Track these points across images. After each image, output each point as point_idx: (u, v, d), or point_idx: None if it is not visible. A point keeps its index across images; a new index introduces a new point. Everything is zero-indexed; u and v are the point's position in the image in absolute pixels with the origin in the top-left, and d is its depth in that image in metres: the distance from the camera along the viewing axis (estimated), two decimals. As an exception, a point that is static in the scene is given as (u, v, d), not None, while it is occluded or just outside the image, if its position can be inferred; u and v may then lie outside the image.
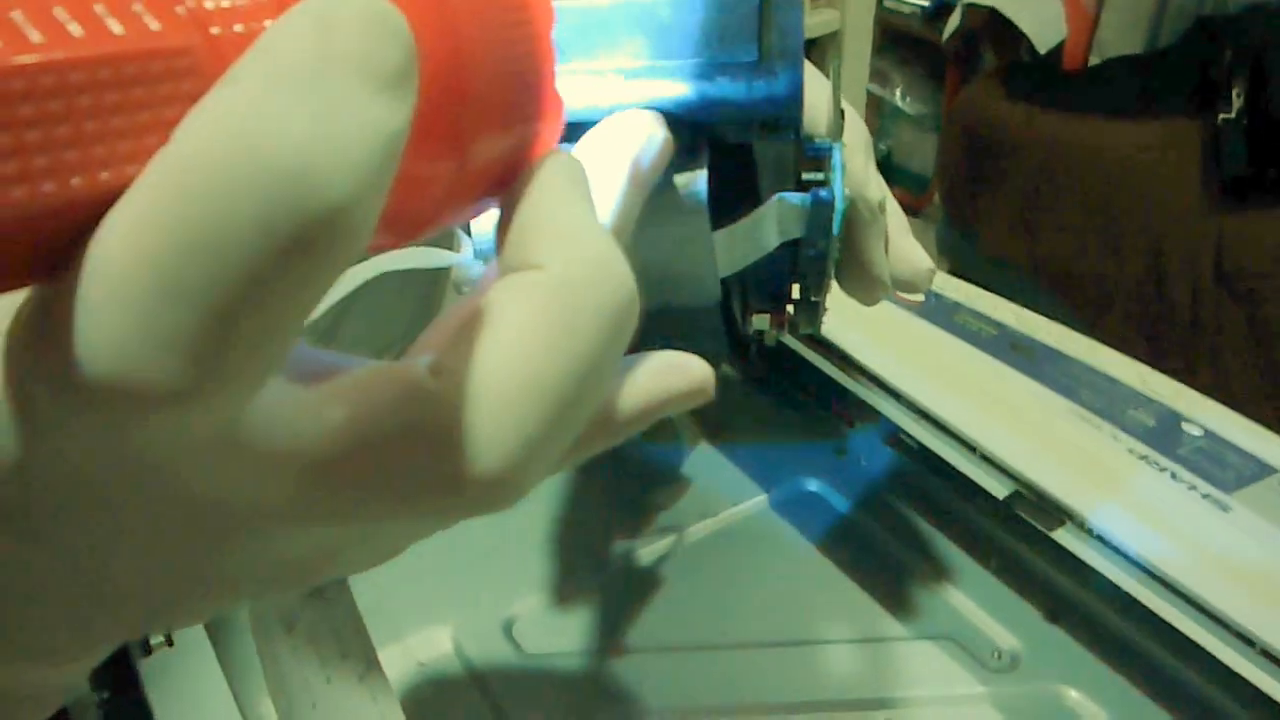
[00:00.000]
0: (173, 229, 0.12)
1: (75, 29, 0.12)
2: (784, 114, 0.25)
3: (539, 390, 0.16)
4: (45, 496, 0.15)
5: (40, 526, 0.15)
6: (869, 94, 2.46)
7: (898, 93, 2.88)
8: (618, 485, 0.56)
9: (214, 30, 0.14)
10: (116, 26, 0.13)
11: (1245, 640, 0.39)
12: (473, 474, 0.16)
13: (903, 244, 0.36)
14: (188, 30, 0.13)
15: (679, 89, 0.25)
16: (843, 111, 0.32)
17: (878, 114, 2.92)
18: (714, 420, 0.60)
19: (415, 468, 0.16)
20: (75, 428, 0.13)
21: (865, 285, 0.35)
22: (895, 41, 2.84)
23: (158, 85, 0.13)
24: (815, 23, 1.76)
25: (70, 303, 0.12)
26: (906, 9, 2.79)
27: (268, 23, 0.14)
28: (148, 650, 0.40)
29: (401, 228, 0.18)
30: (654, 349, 0.45)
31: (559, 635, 0.47)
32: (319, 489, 0.15)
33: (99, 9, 0.13)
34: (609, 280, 0.17)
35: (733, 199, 0.28)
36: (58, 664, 0.18)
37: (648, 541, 0.51)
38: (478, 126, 0.17)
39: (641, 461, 0.57)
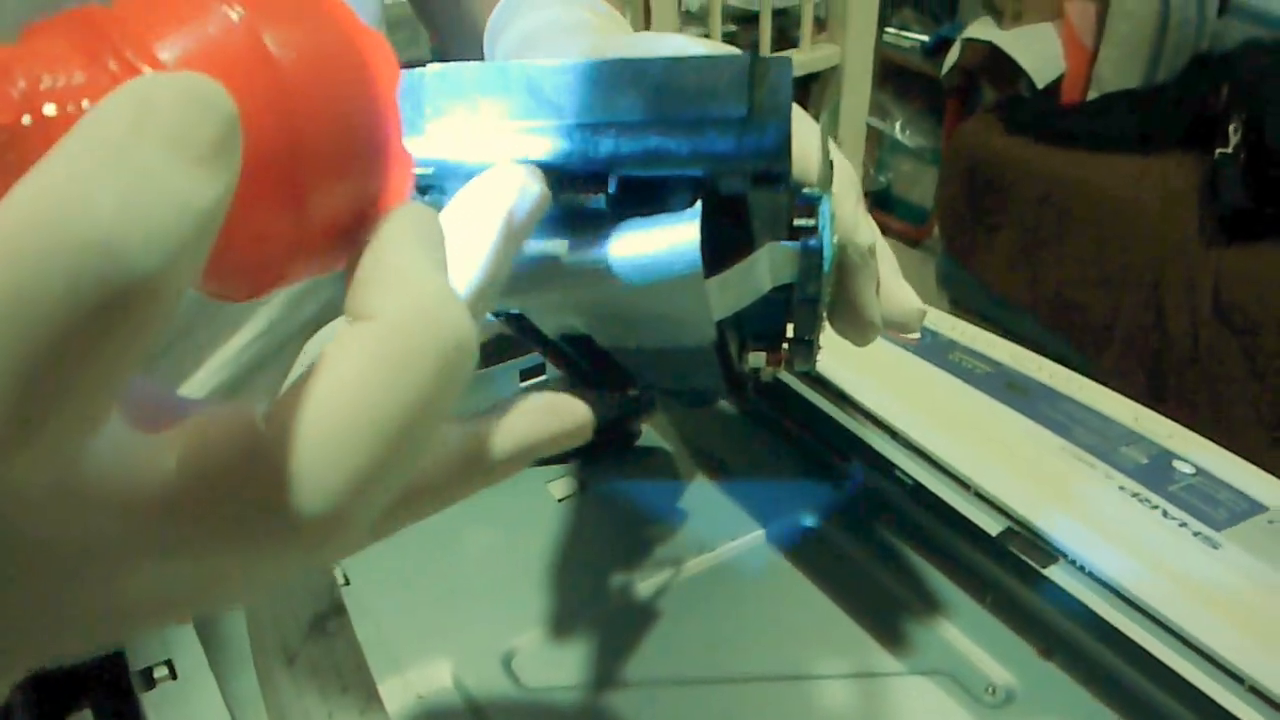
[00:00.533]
0: None
1: None
2: (773, 166, 0.26)
3: (363, 431, 0.17)
4: None
5: None
6: (869, 127, 2.47)
7: (897, 126, 2.90)
8: (616, 520, 0.56)
9: (47, 110, 0.15)
10: None
11: (1234, 677, 0.40)
12: (301, 512, 0.17)
13: (894, 285, 0.37)
14: (18, 111, 0.15)
15: (672, 143, 0.25)
16: (831, 161, 0.33)
17: (878, 147, 2.94)
18: (712, 456, 0.61)
19: (247, 508, 0.16)
20: None
21: (857, 327, 0.36)
22: (895, 75, 2.87)
23: None
24: (816, 57, 1.78)
25: None
26: (906, 43, 2.81)
27: (94, 101, 0.15)
28: (151, 684, 0.41)
29: (254, 278, 0.19)
30: (653, 386, 0.46)
31: (558, 669, 0.47)
32: (156, 529, 0.16)
33: None
34: (438, 326, 0.18)
35: (726, 246, 0.29)
36: None
37: (646, 576, 0.52)
38: (315, 184, 0.18)
39: (640, 497, 0.58)
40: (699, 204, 0.27)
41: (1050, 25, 2.43)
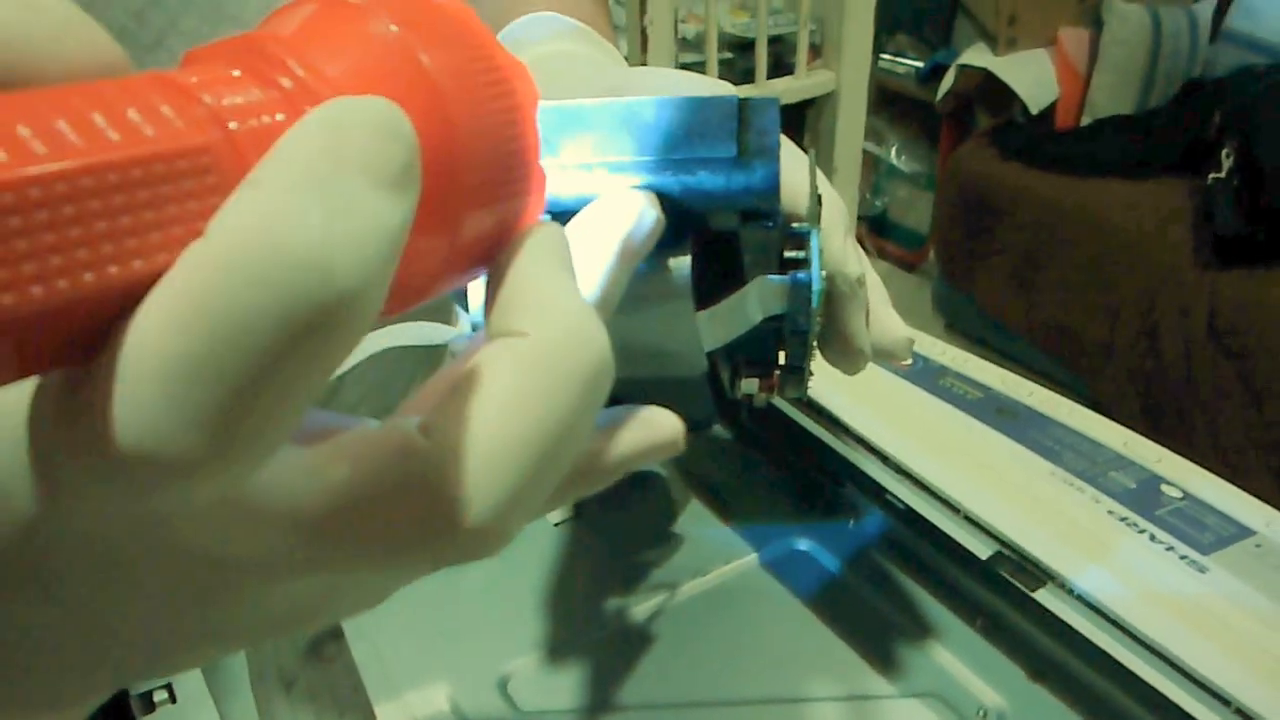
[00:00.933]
0: (203, 317, 0.13)
1: (112, 135, 0.14)
2: (762, 204, 0.27)
3: (521, 446, 0.17)
4: (59, 557, 0.16)
5: (52, 585, 0.16)
6: (865, 153, 2.49)
7: (893, 151, 2.92)
8: (611, 545, 0.57)
9: (232, 126, 0.15)
10: (148, 129, 0.14)
11: (1221, 700, 0.40)
12: (462, 524, 0.17)
13: (883, 314, 0.38)
14: (208, 129, 0.15)
15: (664, 181, 0.26)
16: (820, 196, 0.33)
17: (874, 172, 2.95)
18: (705, 481, 0.61)
19: (408, 520, 0.17)
20: (97, 495, 0.15)
21: (847, 356, 0.36)
22: (890, 102, 2.89)
23: (182, 181, 0.14)
24: (812, 83, 1.79)
25: (102, 382, 0.14)
26: (901, 69, 2.84)
27: (279, 116, 0.16)
28: (150, 707, 0.41)
29: (401, 298, 0.19)
30: None
31: (553, 693, 0.48)
32: (319, 543, 0.17)
33: (132, 115, 0.14)
34: (584, 347, 0.18)
35: (718, 279, 0.30)
36: (56, 711, 0.19)
37: (640, 600, 0.52)
38: (470, 206, 0.19)
39: (634, 522, 0.58)
40: (691, 240, 0.28)
41: (1044, 52, 2.46)
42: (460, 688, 0.48)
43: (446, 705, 0.47)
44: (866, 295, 0.36)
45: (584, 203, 0.27)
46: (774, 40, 2.02)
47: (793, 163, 0.33)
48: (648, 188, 0.26)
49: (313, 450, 0.17)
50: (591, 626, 0.51)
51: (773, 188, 0.26)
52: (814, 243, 0.30)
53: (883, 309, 0.38)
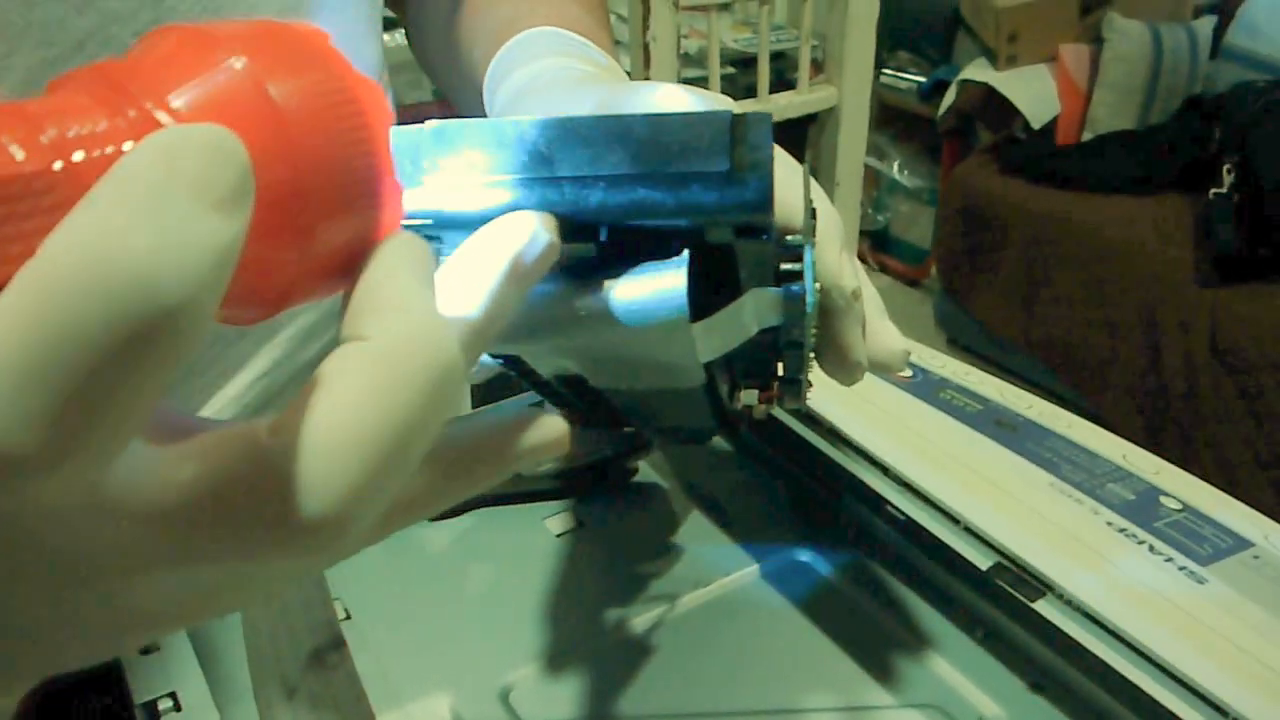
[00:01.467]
0: (32, 327, 0.15)
1: None
2: (756, 219, 0.27)
3: (358, 444, 0.18)
4: None
5: None
6: (867, 168, 2.50)
7: (895, 166, 2.93)
8: (612, 556, 0.57)
9: (75, 156, 0.17)
10: None
11: (1219, 710, 0.41)
12: (303, 518, 0.18)
13: (879, 326, 0.38)
14: (49, 157, 0.16)
15: (658, 195, 0.27)
16: (814, 210, 0.34)
17: (876, 187, 2.96)
18: (707, 493, 0.61)
19: (252, 514, 0.18)
20: None
21: (843, 368, 0.37)
22: (893, 117, 2.90)
23: (19, 204, 0.16)
24: (814, 99, 1.80)
25: None
26: (903, 85, 2.85)
27: (125, 145, 0.17)
28: (155, 716, 0.41)
29: (262, 303, 0.21)
30: (646, 425, 0.47)
31: (555, 703, 0.48)
32: (170, 538, 0.18)
33: None
34: (424, 348, 0.19)
35: (713, 292, 0.30)
36: None
37: (641, 610, 0.53)
38: (317, 219, 0.20)
39: (635, 533, 0.58)
40: (686, 253, 0.28)
41: (1045, 67, 2.47)
42: (462, 697, 0.48)
43: (448, 715, 0.47)
44: (862, 308, 0.36)
45: (580, 215, 0.27)
46: (776, 56, 2.03)
47: (787, 175, 0.33)
48: (641, 201, 0.27)
49: (164, 449, 0.18)
50: (593, 637, 0.51)
51: (766, 202, 0.27)
52: (808, 255, 0.31)
53: (879, 321, 0.38)
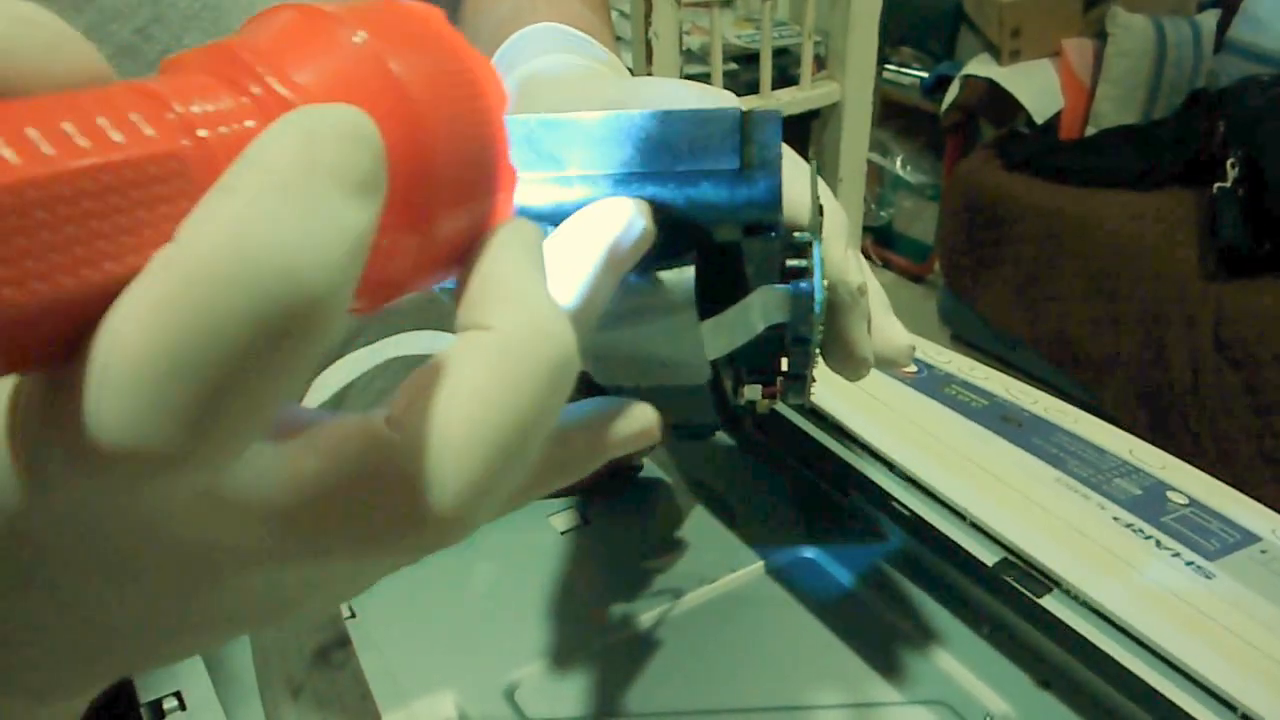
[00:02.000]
0: (178, 318, 0.14)
1: (83, 142, 0.14)
2: (764, 216, 0.27)
3: (483, 437, 0.18)
4: (50, 549, 0.16)
5: (44, 576, 0.17)
6: (870, 164, 2.50)
7: (898, 162, 2.92)
8: (617, 553, 0.57)
9: (201, 133, 0.16)
10: (118, 136, 0.15)
11: (1228, 705, 0.40)
12: (428, 513, 0.18)
13: (884, 323, 0.38)
14: (177, 135, 0.15)
15: (667, 194, 0.27)
16: (821, 207, 0.34)
17: (879, 183, 2.96)
18: (712, 489, 0.61)
19: (376, 509, 0.18)
20: (82, 488, 0.15)
21: (849, 364, 0.37)
22: (896, 113, 2.90)
23: (153, 186, 0.15)
24: (816, 94, 1.80)
25: (83, 381, 0.14)
26: (906, 81, 2.84)
27: (249, 123, 0.16)
28: (160, 715, 0.41)
29: (379, 293, 0.20)
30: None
31: (560, 700, 0.48)
32: (293, 533, 0.17)
33: (101, 121, 0.15)
34: (547, 340, 0.19)
35: (721, 289, 0.30)
36: (53, 700, 0.19)
37: (647, 607, 0.52)
38: (441, 204, 0.19)
39: (640, 530, 0.58)
40: (694, 251, 0.28)
41: (1048, 62, 2.46)
42: (467, 696, 0.48)
43: (454, 713, 0.47)
44: (868, 304, 0.36)
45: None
46: (779, 52, 2.03)
47: (794, 172, 0.33)
48: (651, 199, 0.27)
49: (286, 445, 0.17)
50: (598, 634, 0.51)
51: (775, 200, 0.27)
52: (816, 253, 0.31)
53: (884, 316, 0.38)
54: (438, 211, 0.19)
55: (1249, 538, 0.48)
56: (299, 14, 0.18)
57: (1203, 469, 0.54)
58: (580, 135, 0.27)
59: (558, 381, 0.19)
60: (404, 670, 0.49)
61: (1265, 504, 0.51)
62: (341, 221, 0.15)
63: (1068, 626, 0.45)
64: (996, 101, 2.48)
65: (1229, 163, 1.96)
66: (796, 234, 0.31)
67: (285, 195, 0.15)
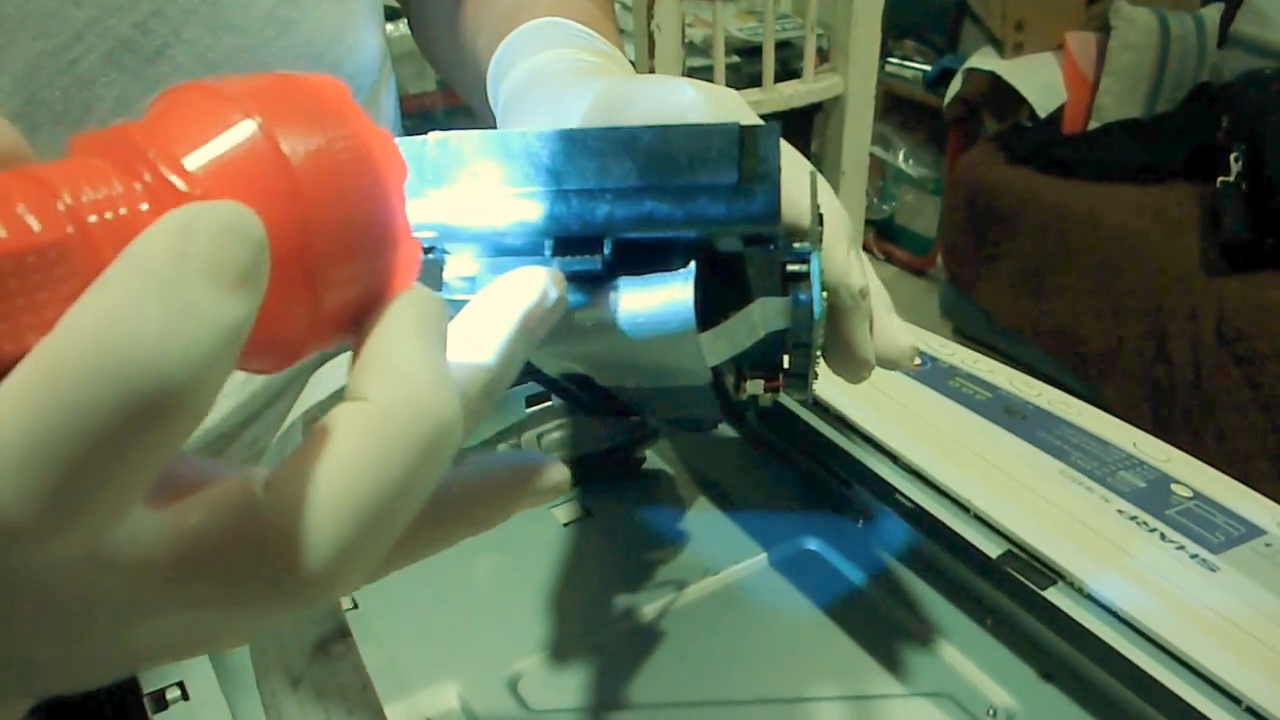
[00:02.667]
0: (44, 408, 0.15)
1: None
2: (763, 230, 0.27)
3: (351, 506, 0.19)
4: None
5: None
6: (872, 157, 2.49)
7: (900, 155, 2.92)
8: (620, 544, 0.57)
9: (90, 220, 0.17)
10: (1, 231, 0.16)
11: (1232, 699, 0.40)
12: (296, 576, 0.19)
13: (887, 323, 0.38)
14: (63, 224, 0.17)
15: (665, 208, 0.27)
16: (821, 215, 0.33)
17: (881, 177, 2.95)
18: (715, 481, 0.61)
19: (248, 571, 0.19)
20: None
21: (851, 365, 0.37)
22: (898, 106, 2.89)
23: (38, 274, 0.16)
24: (819, 88, 1.80)
25: None
26: (909, 74, 2.84)
27: (142, 206, 0.17)
28: (163, 705, 0.41)
29: (274, 358, 0.21)
30: (652, 416, 0.47)
31: (563, 691, 0.48)
32: (168, 589, 0.18)
33: None
34: (424, 412, 0.20)
35: (721, 299, 0.30)
36: None
37: (650, 599, 0.52)
38: (328, 276, 0.20)
39: (644, 521, 0.58)
40: (694, 264, 0.28)
41: (1051, 55, 2.46)
42: (470, 686, 0.48)
43: (457, 704, 0.47)
44: (870, 305, 0.36)
45: (589, 228, 0.27)
46: (781, 45, 2.02)
47: (796, 175, 0.33)
48: (649, 214, 0.27)
49: (163, 511, 0.19)
50: (601, 626, 0.51)
51: (774, 214, 0.27)
52: (815, 262, 0.31)
53: (887, 317, 0.38)
54: (326, 284, 0.20)
55: (1253, 531, 0.48)
56: (198, 96, 0.19)
57: (1205, 463, 0.54)
58: (577, 148, 0.27)
59: (431, 450, 0.20)
60: (406, 661, 0.49)
61: (1269, 498, 0.51)
62: (210, 315, 0.16)
63: (1071, 619, 0.44)
64: (999, 95, 2.48)
65: (1232, 157, 1.95)
66: (797, 244, 0.31)
67: (156, 291, 0.16)
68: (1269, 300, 1.81)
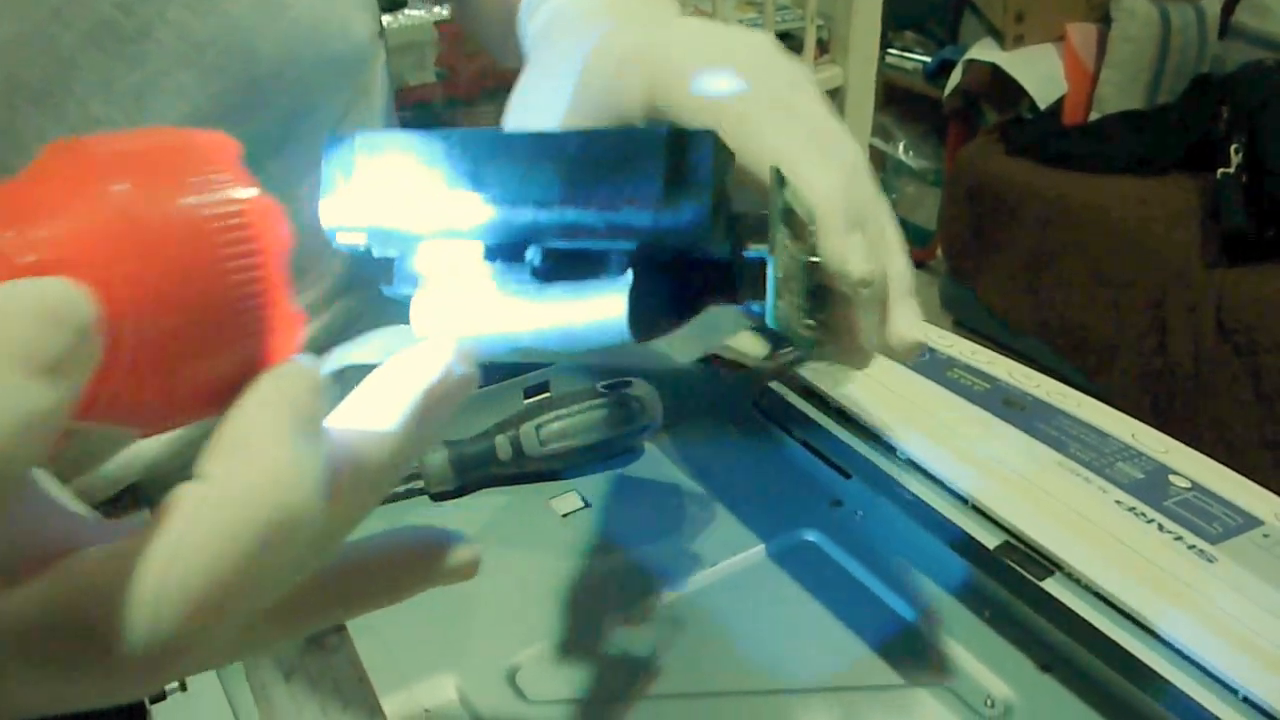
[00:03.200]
0: None
1: None
2: (692, 242, 0.26)
3: (175, 594, 0.19)
4: None
5: None
6: (872, 148, 2.49)
7: (900, 147, 2.91)
8: (618, 536, 0.57)
9: None
10: None
11: (1228, 689, 0.40)
12: (121, 656, 0.19)
13: (897, 314, 0.36)
14: None
15: (589, 217, 0.26)
16: (787, 210, 0.30)
17: (881, 169, 2.95)
18: (713, 473, 0.61)
19: (73, 655, 0.19)
20: None
21: (847, 355, 0.36)
22: (898, 98, 2.89)
23: None
24: (819, 79, 1.79)
25: None
26: (909, 65, 2.83)
27: None
28: (161, 695, 0.41)
29: (137, 426, 0.21)
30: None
31: (561, 683, 0.48)
32: (14, 661, 0.19)
33: None
34: (265, 497, 0.19)
35: (668, 302, 0.29)
36: None
37: (648, 591, 0.52)
38: (181, 353, 0.20)
39: (641, 513, 0.58)
40: (629, 274, 0.27)
41: (1052, 47, 2.45)
42: (469, 678, 0.48)
43: (455, 695, 0.47)
44: (876, 293, 0.34)
45: (511, 235, 0.26)
46: (781, 36, 2.02)
47: (808, 154, 0.32)
48: (572, 223, 0.26)
49: (12, 590, 0.19)
50: (599, 617, 0.51)
51: (702, 225, 0.26)
52: (770, 270, 0.29)
53: (901, 303, 0.37)
54: (181, 359, 0.20)
55: (1250, 521, 0.48)
56: (65, 159, 0.19)
57: (1204, 455, 0.54)
58: (502, 153, 0.26)
59: (274, 538, 0.19)
60: (404, 653, 0.49)
61: (1267, 489, 0.51)
62: (18, 403, 0.16)
63: (1069, 610, 0.45)
64: (1000, 86, 2.47)
65: (1232, 148, 1.95)
66: (751, 248, 0.29)
67: None
68: (1269, 292, 1.81)
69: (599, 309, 0.27)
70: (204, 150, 0.20)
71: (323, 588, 0.24)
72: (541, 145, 0.26)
